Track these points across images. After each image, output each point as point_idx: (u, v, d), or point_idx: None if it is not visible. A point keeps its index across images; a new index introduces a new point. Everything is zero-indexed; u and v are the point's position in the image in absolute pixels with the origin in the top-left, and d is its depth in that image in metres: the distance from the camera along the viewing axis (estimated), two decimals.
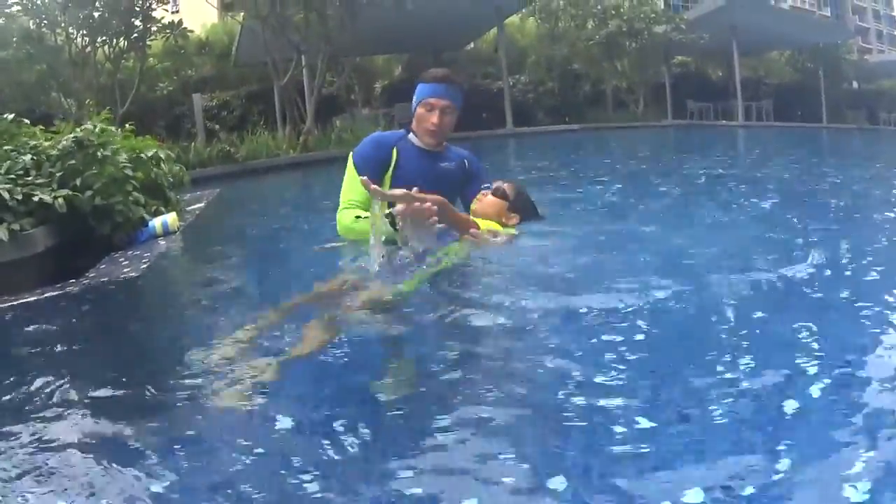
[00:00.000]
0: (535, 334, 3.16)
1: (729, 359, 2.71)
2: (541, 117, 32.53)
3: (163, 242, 6.23)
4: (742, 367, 2.61)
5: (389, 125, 22.61)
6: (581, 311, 3.36)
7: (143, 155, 7.30)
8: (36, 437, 2.36)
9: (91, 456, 2.19)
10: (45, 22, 21.13)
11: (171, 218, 6.68)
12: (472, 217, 4.48)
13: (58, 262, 5.76)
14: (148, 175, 7.21)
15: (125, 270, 5.04)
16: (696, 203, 7.97)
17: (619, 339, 2.91)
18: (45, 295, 4.61)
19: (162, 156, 7.74)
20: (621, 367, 2.67)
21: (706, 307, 3.42)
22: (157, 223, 6.58)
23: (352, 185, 4.72)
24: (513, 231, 4.57)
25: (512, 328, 3.22)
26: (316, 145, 20.28)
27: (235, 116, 28.58)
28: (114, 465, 2.11)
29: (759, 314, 3.31)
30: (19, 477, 2.08)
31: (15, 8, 21.19)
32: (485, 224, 4.39)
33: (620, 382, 2.54)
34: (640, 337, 2.98)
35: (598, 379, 2.56)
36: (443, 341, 3.19)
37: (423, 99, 4.71)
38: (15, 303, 4.50)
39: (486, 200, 4.65)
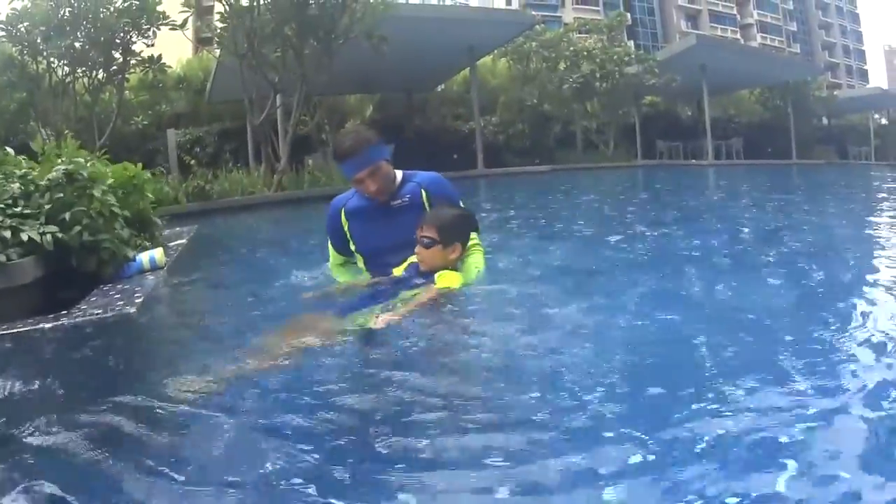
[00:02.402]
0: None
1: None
2: (510, 158, 32.54)
3: (151, 278, 6.13)
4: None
5: None
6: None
7: (133, 182, 7.30)
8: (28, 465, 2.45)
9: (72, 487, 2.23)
10: (27, 50, 20.88)
11: (158, 253, 6.61)
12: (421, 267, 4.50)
13: (44, 294, 5.66)
14: (134, 210, 7.22)
15: (119, 304, 4.93)
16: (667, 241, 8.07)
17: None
18: (40, 326, 4.52)
19: (146, 187, 7.70)
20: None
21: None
22: (144, 258, 6.50)
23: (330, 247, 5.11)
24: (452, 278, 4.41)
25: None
26: (290, 184, 20.21)
27: (208, 153, 28.42)
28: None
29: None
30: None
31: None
32: (441, 277, 4.37)
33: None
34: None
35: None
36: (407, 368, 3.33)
37: (349, 178, 4.75)
38: (6, 332, 4.41)
39: (424, 254, 4.48)
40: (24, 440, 2.67)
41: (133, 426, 2.78)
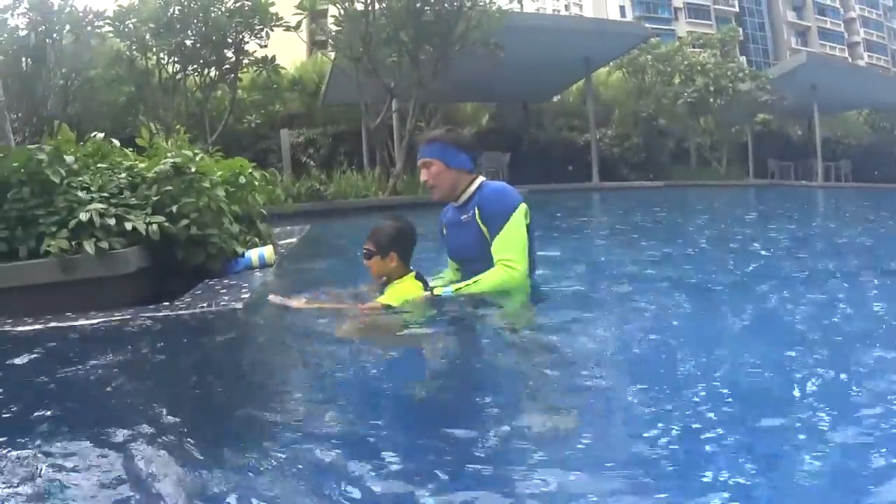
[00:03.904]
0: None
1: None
2: (626, 172, 32.03)
3: (259, 275, 6.03)
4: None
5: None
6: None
7: (241, 178, 7.23)
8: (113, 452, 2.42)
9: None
10: (136, 45, 21.31)
11: (267, 251, 6.52)
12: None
13: (149, 284, 5.63)
14: (243, 206, 7.17)
15: (225, 300, 4.84)
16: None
17: None
18: (141, 315, 4.47)
19: (255, 188, 7.63)
20: None
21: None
22: (253, 255, 6.41)
23: None
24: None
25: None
26: (405, 189, 20.07)
27: (322, 154, 28.56)
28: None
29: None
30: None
31: (105, 29, 21.30)
32: (392, 291, 4.59)
33: None
34: None
35: None
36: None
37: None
38: (106, 320, 4.39)
39: (368, 264, 4.75)
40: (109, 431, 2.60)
41: (224, 420, 2.80)
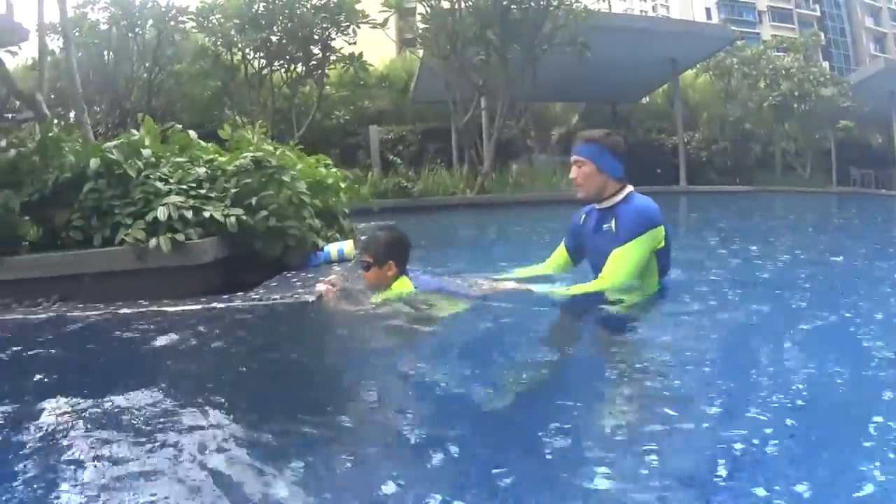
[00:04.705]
0: None
1: None
2: (712, 176, 31.57)
3: (338, 269, 5.97)
4: None
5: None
6: None
7: (324, 179, 7.28)
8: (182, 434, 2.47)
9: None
10: (221, 41, 21.76)
11: (347, 246, 6.49)
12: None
13: (225, 274, 5.69)
14: (326, 203, 7.18)
15: (299, 292, 4.82)
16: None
17: None
18: (213, 305, 4.53)
19: (339, 186, 7.68)
20: None
21: None
22: (332, 249, 6.40)
23: None
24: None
25: None
26: (493, 188, 20.00)
27: (411, 151, 28.62)
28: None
29: None
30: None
31: (189, 24, 21.81)
32: (386, 294, 4.70)
33: None
34: None
35: None
36: None
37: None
38: (177, 309, 4.44)
39: (366, 276, 4.84)
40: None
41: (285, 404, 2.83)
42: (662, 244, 4.68)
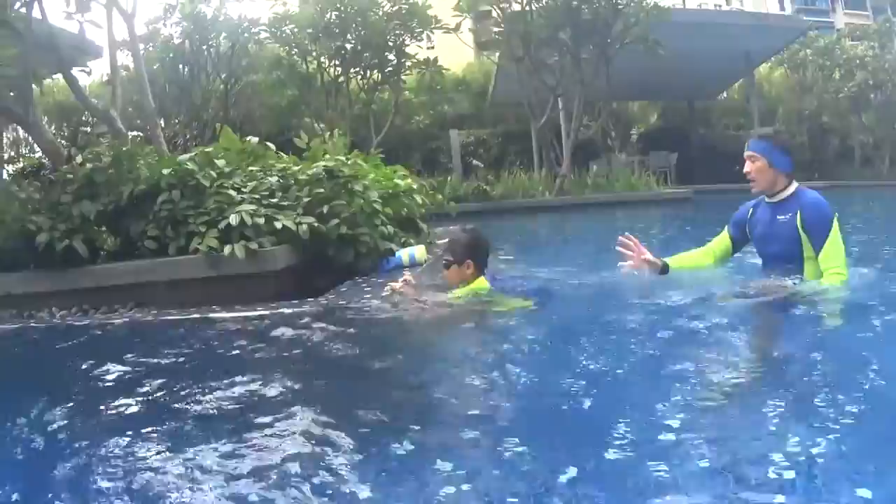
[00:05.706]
0: None
1: None
2: None
3: (408, 272, 5.99)
4: None
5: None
6: None
7: (397, 189, 7.44)
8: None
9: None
10: (296, 50, 22.10)
11: (418, 251, 6.61)
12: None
13: (298, 280, 5.82)
14: (399, 210, 7.32)
15: (366, 297, 5.01)
16: None
17: None
18: (281, 310, 4.70)
19: (416, 192, 7.85)
20: None
21: None
22: (403, 254, 6.51)
23: None
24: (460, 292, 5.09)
25: None
26: (572, 189, 19.91)
27: (492, 154, 28.67)
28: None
29: None
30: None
31: (262, 35, 22.05)
32: (461, 291, 5.08)
33: None
34: None
35: None
36: None
37: None
38: (248, 314, 4.66)
39: (446, 273, 5.23)
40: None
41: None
42: None
